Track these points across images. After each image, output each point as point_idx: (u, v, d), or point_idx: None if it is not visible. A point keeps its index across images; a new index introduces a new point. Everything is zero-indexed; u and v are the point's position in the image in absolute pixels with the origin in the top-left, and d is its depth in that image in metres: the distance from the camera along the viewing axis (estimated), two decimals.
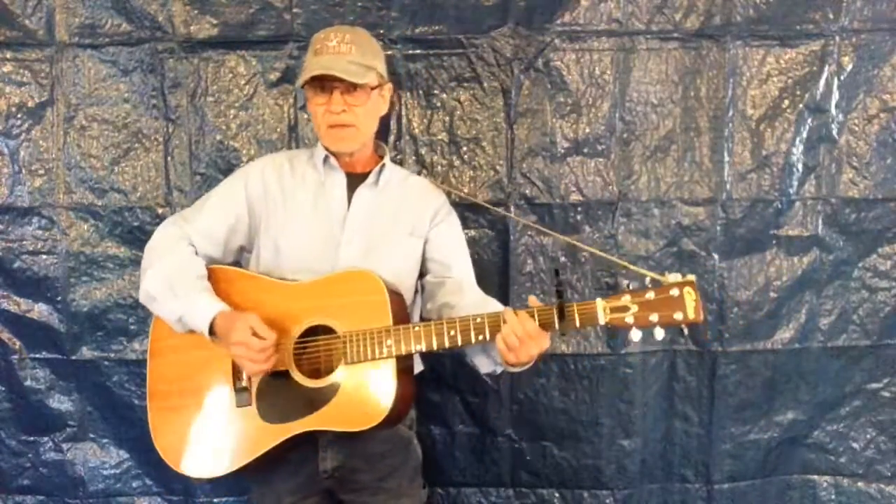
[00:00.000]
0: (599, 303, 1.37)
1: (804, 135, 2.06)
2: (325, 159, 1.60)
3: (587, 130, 2.05)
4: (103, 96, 2.03)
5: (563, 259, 2.08)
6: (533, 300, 1.41)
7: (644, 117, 2.05)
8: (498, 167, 2.07)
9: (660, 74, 2.04)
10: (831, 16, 2.01)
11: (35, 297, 2.08)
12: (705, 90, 2.05)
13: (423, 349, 1.43)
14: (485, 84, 2.04)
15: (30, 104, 2.03)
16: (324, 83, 1.51)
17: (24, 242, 2.06)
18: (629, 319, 1.34)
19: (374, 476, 1.56)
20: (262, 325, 1.41)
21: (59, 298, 2.07)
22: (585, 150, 2.06)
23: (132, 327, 2.08)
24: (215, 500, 2.14)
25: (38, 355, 2.10)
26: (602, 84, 2.04)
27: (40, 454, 2.14)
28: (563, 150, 2.05)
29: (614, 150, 2.06)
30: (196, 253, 1.56)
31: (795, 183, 2.07)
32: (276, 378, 1.46)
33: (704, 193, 2.07)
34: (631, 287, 1.37)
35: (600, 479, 2.14)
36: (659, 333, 1.35)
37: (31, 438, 2.14)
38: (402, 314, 1.52)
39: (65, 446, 2.13)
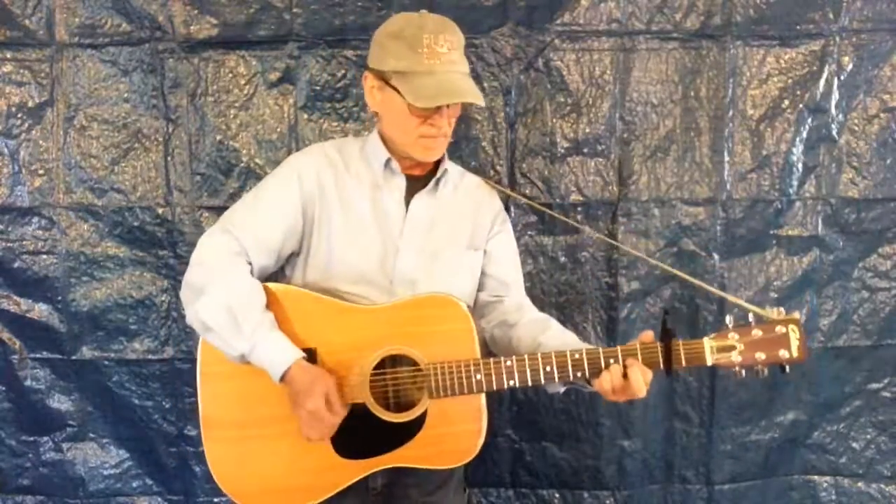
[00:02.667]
0: (707, 342, 1.30)
1: (804, 135, 2.06)
2: (387, 162, 1.46)
3: (587, 130, 2.05)
4: (103, 96, 2.03)
5: (562, 259, 2.08)
6: (647, 336, 1.33)
7: (644, 117, 2.05)
8: (498, 167, 2.06)
9: (660, 74, 2.04)
10: (831, 16, 2.01)
11: (35, 297, 2.07)
12: (705, 90, 2.05)
13: (516, 385, 1.32)
14: (485, 84, 2.03)
15: (30, 104, 2.03)
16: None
17: (24, 242, 2.05)
18: (736, 358, 1.30)
19: (423, 491, 1.49)
20: (337, 395, 1.31)
21: (59, 298, 2.06)
22: (585, 150, 2.06)
23: (132, 327, 2.08)
24: (215, 500, 2.14)
25: (38, 355, 2.10)
26: (602, 84, 2.04)
27: (40, 454, 2.14)
28: (563, 150, 2.05)
29: (614, 150, 2.06)
30: (252, 271, 1.40)
31: (795, 183, 2.07)
32: (352, 410, 1.35)
33: (704, 193, 2.07)
34: (733, 324, 1.31)
35: (600, 479, 2.14)
36: (761, 372, 1.32)
37: (31, 438, 2.14)
38: (483, 342, 1.43)
39: (65, 446, 2.13)
